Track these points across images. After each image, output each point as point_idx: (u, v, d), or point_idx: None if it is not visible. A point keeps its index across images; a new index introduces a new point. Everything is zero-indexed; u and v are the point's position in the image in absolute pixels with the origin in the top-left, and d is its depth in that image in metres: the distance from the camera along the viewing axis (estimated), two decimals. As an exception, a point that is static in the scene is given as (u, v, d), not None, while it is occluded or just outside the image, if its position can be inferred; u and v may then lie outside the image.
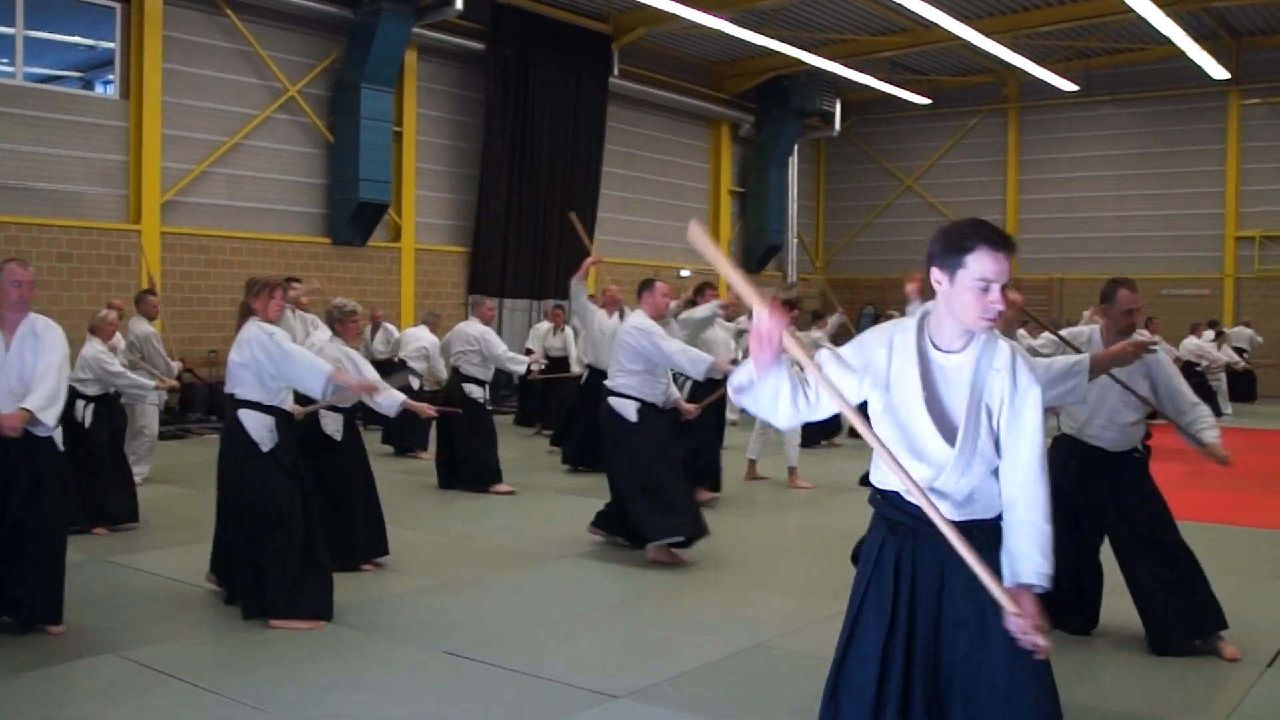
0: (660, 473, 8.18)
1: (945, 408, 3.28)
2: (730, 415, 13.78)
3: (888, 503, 3.43)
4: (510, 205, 21.25)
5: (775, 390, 3.20)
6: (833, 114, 28.22)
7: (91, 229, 16.02)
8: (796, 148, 28.49)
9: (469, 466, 11.18)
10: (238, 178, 17.69)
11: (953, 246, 3.26)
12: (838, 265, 30.90)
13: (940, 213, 28.76)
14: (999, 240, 3.23)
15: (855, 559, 3.67)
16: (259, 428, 6.52)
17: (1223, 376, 20.45)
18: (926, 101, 27.62)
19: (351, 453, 7.99)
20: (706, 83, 26.56)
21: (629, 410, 8.27)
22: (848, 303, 28.21)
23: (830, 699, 3.50)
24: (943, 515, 3.10)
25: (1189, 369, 18.16)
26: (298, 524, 6.52)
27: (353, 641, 6.12)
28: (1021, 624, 3.08)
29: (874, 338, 3.41)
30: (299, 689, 5.30)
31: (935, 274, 3.30)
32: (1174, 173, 26.38)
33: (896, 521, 3.39)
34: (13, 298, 6.10)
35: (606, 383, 8.49)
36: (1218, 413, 17.84)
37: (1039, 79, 24.75)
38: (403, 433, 13.49)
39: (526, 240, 21.48)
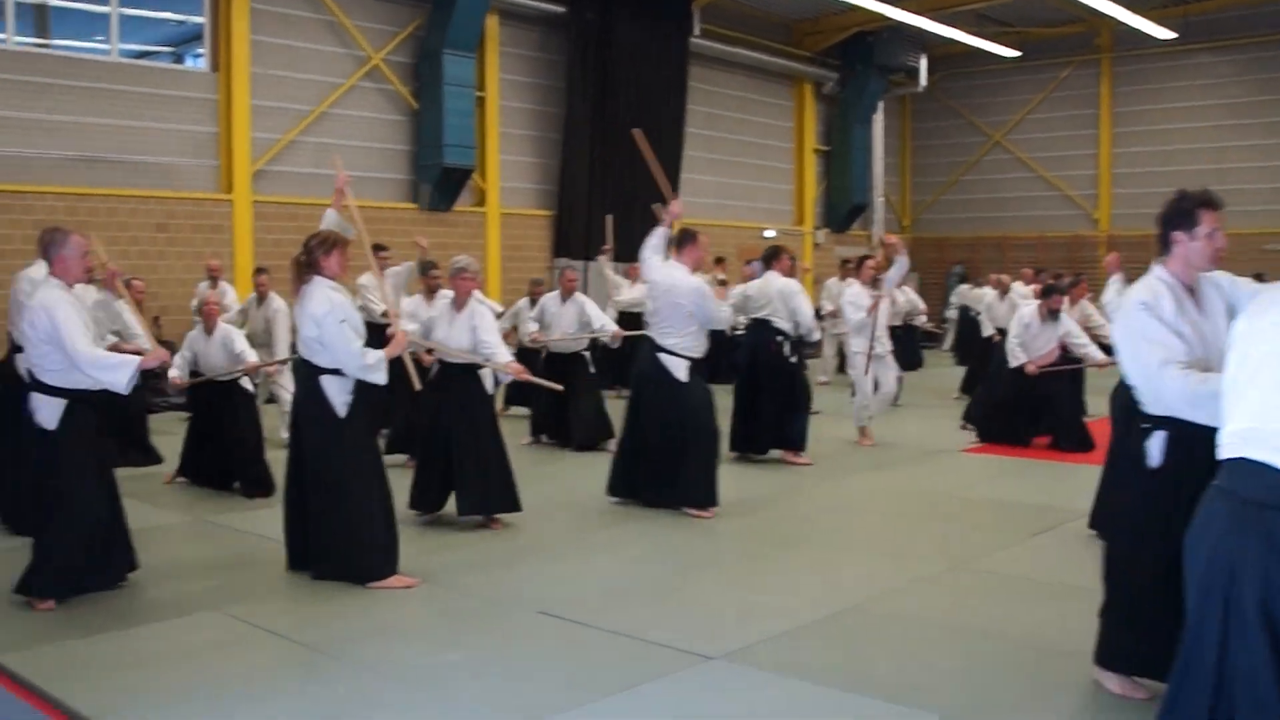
0: (711, 437, 8.46)
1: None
2: (822, 377, 13.82)
3: (1255, 477, 3.15)
4: (593, 168, 21.24)
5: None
6: (918, 69, 27.61)
7: (186, 199, 16.39)
8: (881, 105, 27.95)
9: (582, 424, 11.46)
10: (325, 146, 17.94)
11: (1184, 212, 4.43)
12: (925, 224, 30.44)
13: (1030, 168, 28.30)
14: (1213, 199, 4.43)
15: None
16: (338, 393, 6.53)
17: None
18: (1015, 54, 26.79)
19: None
20: (789, 40, 26.26)
21: (680, 369, 8.38)
22: (935, 262, 28.05)
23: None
24: None
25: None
26: (383, 486, 6.63)
27: (449, 601, 6.18)
28: None
29: (1165, 305, 4.30)
30: (395, 647, 5.37)
31: (1175, 235, 4.46)
32: (1275, 122, 25.34)
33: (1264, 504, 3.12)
34: (78, 270, 6.23)
35: (656, 339, 8.54)
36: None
37: (1133, 27, 23.79)
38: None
39: (610, 202, 21.54)
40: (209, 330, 9.49)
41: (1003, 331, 12.55)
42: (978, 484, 9.83)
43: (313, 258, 6.58)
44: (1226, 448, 3.24)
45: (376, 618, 5.88)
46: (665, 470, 8.42)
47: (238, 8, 16.84)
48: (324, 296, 6.48)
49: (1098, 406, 14.11)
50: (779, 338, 10.50)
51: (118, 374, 5.89)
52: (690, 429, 8.39)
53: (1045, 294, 11.40)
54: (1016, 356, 11.24)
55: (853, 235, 27.70)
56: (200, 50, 17.21)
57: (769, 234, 24.95)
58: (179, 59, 17.79)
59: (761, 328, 10.63)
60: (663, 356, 8.45)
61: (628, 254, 21.09)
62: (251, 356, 9.48)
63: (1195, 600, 3.28)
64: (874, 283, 11.49)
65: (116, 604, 6.03)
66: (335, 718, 4.57)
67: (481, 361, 7.89)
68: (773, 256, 10.65)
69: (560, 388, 9.70)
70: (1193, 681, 3.28)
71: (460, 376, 8.04)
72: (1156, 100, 27.01)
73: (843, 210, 27.94)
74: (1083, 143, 27.98)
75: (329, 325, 6.40)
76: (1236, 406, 3.22)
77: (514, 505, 8.04)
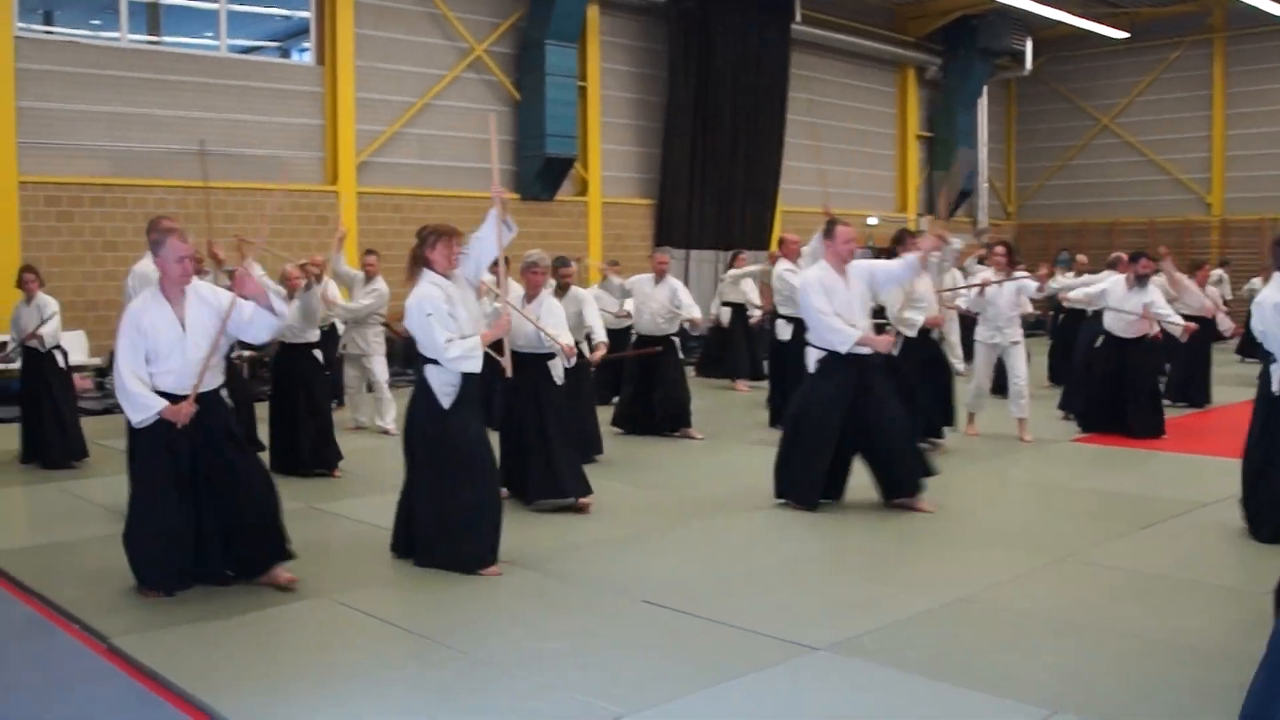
0: (810, 433, 7.99)
1: None
2: (956, 365, 13.47)
3: None
4: (694, 156, 21.12)
5: None
6: (1023, 52, 27.14)
7: (292, 191, 16.49)
8: (986, 89, 27.47)
9: (667, 406, 11.37)
10: (428, 137, 18.07)
11: None
12: (1031, 210, 29.80)
13: (1140, 152, 27.57)
14: None
15: None
16: (442, 384, 6.46)
17: None
18: (1124, 35, 25.99)
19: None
20: (891, 25, 25.87)
21: (811, 360, 8.06)
22: (1041, 248, 27.42)
23: None
24: None
25: None
26: (489, 475, 6.59)
27: (551, 589, 6.12)
28: None
29: None
30: (500, 634, 5.35)
31: None
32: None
33: None
34: (176, 272, 6.02)
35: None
36: None
37: (1247, 4, 22.76)
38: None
39: (711, 191, 21.44)
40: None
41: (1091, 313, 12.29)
42: (1084, 474, 9.57)
43: (420, 250, 6.53)
44: None
45: (481, 604, 5.85)
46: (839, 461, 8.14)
47: (342, 2, 16.97)
48: (419, 289, 6.45)
49: (1223, 395, 13.83)
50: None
51: (135, 415, 5.89)
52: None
53: (1133, 259, 11.15)
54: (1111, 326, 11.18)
55: (957, 221, 27.17)
56: (306, 44, 17.39)
57: (872, 221, 24.63)
58: (285, 53, 18.01)
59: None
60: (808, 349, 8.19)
61: (727, 241, 21.08)
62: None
63: None
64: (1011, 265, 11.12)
65: (227, 591, 6.01)
66: (441, 702, 4.55)
67: (550, 350, 8.02)
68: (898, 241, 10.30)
69: (658, 348, 9.74)
70: None
71: (530, 366, 8.03)
72: (1273, 80, 26.07)
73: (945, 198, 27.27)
74: (1194, 125, 27.16)
75: (415, 317, 6.39)
76: None
77: (582, 489, 8.03)
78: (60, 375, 10.27)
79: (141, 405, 5.82)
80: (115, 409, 13.15)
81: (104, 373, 14.82)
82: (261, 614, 5.66)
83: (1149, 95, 27.79)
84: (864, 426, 7.90)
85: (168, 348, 5.90)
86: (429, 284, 6.46)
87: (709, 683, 4.71)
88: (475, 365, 6.44)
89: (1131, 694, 4.60)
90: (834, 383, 7.87)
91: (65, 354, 10.44)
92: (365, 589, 6.14)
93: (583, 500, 8.02)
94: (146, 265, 8.06)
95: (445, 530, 6.44)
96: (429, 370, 6.49)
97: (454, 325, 6.40)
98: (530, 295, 8.22)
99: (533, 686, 4.67)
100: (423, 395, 6.53)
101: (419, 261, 6.52)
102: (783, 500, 8.06)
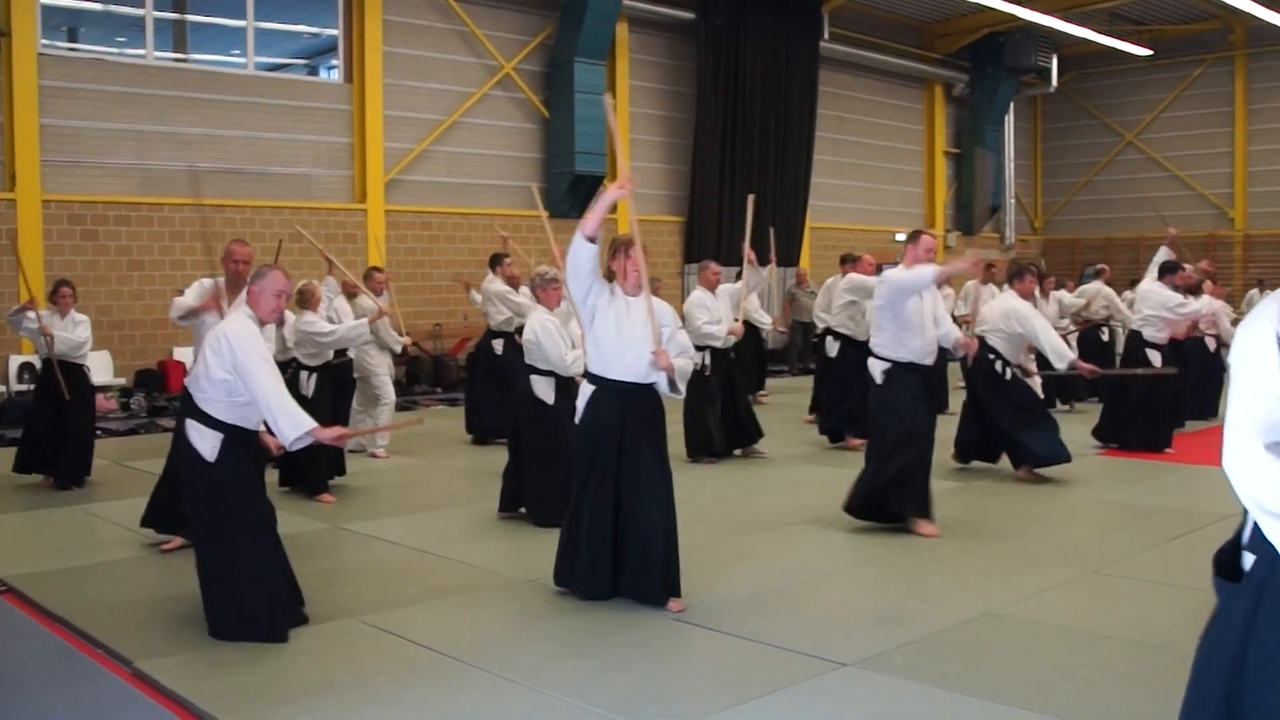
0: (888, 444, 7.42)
1: None
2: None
3: None
4: (724, 173, 20.47)
5: None
6: (1049, 69, 26.59)
7: (320, 209, 15.94)
8: (1012, 106, 26.96)
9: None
10: (457, 155, 17.45)
11: None
12: (1057, 225, 29.14)
13: (1164, 168, 27.02)
14: None
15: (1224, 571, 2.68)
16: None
17: None
18: (1147, 52, 25.45)
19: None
20: (918, 43, 25.25)
21: (877, 371, 7.53)
22: (1068, 263, 26.75)
23: None
24: None
25: None
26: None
27: (581, 607, 5.84)
28: None
29: None
30: (530, 653, 5.16)
31: None
32: None
33: None
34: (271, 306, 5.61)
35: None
36: None
37: (1268, 23, 22.53)
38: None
39: (741, 208, 20.70)
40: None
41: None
42: (1112, 487, 9.31)
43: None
44: None
45: (511, 624, 5.65)
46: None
47: (370, 19, 16.36)
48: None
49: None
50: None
51: (292, 432, 5.32)
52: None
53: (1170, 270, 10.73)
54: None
55: (985, 236, 26.53)
56: (334, 62, 16.79)
57: (900, 237, 23.91)
58: (313, 71, 17.41)
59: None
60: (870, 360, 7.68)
61: (759, 259, 20.27)
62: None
63: None
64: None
65: None
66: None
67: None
68: (1015, 276, 9.65)
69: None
70: None
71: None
72: (1294, 97, 25.63)
73: (974, 213, 26.82)
74: (1217, 141, 26.70)
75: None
76: None
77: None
78: (88, 393, 9.68)
79: (300, 420, 5.29)
80: (141, 430, 12.79)
81: (129, 393, 14.21)
82: (289, 634, 5.38)
83: (1172, 111, 27.27)
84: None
85: None
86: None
87: (739, 700, 4.58)
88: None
89: (1162, 706, 4.18)
90: (905, 390, 7.40)
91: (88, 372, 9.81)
92: (392, 610, 5.88)
93: None
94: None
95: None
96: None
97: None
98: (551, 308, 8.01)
99: (561, 707, 4.52)
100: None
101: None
102: (913, 518, 7.47)
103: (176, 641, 5.33)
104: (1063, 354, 9.00)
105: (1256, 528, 2.49)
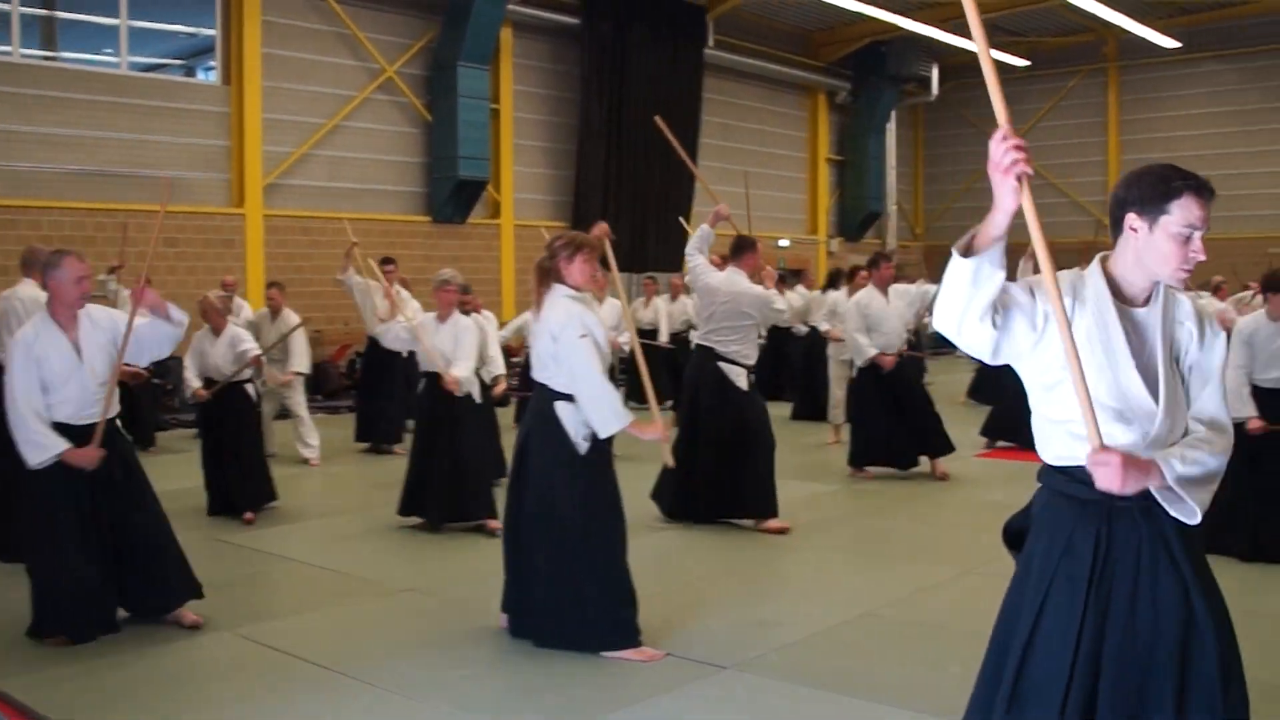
0: (771, 447, 7.94)
1: (1144, 364, 2.86)
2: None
3: (1072, 479, 2.88)
4: (608, 179, 20.40)
5: (974, 287, 2.77)
6: (930, 79, 26.93)
7: (196, 214, 15.54)
8: (894, 114, 27.29)
9: None
10: (338, 159, 17.14)
11: (1156, 192, 2.86)
12: (938, 231, 29.47)
13: (1041, 176, 27.39)
14: (1204, 187, 2.88)
15: (1012, 542, 3.22)
16: (577, 424, 5.20)
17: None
18: (1025, 63, 26.04)
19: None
20: (802, 51, 25.40)
21: (741, 377, 7.89)
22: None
23: (1011, 702, 2.96)
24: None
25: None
26: (621, 534, 5.39)
27: (449, 616, 5.88)
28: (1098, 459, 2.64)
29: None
30: (403, 664, 5.10)
31: (1131, 220, 2.89)
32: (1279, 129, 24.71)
33: (1087, 499, 2.85)
34: (74, 295, 5.36)
35: (716, 348, 7.97)
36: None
37: (1139, 37, 23.31)
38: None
39: (625, 214, 20.65)
40: (217, 331, 8.62)
41: None
42: (986, 489, 9.47)
43: (554, 263, 5.36)
44: None
45: (387, 634, 5.57)
46: (725, 482, 7.84)
47: (249, 20, 15.99)
48: (563, 308, 5.23)
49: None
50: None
51: (33, 456, 5.22)
52: (752, 438, 7.83)
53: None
54: None
55: (867, 243, 26.79)
56: (211, 63, 16.39)
57: (783, 243, 24.13)
58: (190, 72, 16.97)
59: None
60: (723, 365, 7.90)
61: (640, 264, 20.28)
62: (255, 352, 8.61)
63: None
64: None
65: (130, 626, 5.60)
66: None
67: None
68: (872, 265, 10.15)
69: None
70: None
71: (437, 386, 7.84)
72: (1163, 109, 26.45)
73: (856, 219, 27.21)
74: (1091, 150, 27.33)
75: (566, 339, 5.17)
76: None
77: (488, 512, 7.77)
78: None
79: (39, 446, 5.17)
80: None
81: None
82: (164, 649, 5.33)
83: (1048, 121, 27.80)
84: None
85: (63, 376, 5.29)
86: (571, 300, 5.30)
87: (621, 704, 4.59)
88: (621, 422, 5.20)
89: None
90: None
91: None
92: (271, 622, 5.81)
93: (493, 524, 7.51)
94: (29, 290, 7.18)
95: (568, 601, 5.20)
96: (562, 408, 5.20)
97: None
98: (442, 315, 7.93)
99: (435, 714, 4.53)
100: (549, 436, 5.25)
101: (552, 274, 5.37)
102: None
103: (44, 660, 5.17)
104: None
105: (1032, 501, 2.94)
